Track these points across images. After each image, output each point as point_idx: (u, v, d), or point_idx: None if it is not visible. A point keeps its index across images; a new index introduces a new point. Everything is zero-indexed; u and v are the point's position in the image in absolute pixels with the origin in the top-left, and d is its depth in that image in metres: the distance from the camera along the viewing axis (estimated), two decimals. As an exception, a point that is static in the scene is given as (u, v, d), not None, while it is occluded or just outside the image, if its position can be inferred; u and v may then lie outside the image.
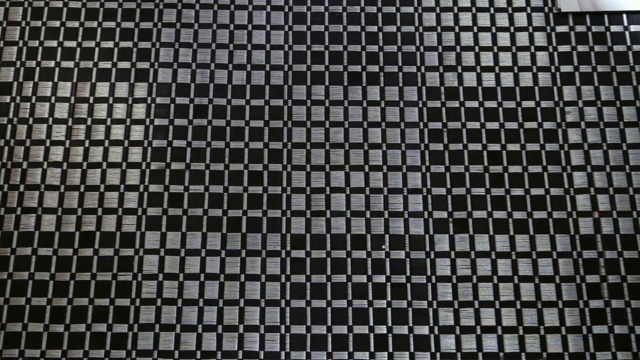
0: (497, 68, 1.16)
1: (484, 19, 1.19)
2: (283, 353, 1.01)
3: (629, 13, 1.19)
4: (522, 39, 1.18)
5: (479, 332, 1.02)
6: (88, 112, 1.13)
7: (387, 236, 1.07)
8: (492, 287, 1.05)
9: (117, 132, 1.12)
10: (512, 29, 1.19)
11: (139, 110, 1.13)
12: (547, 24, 1.19)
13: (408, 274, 1.05)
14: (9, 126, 1.12)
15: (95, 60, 1.16)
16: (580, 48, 1.17)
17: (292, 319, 1.03)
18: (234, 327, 1.03)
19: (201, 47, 1.17)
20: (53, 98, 1.14)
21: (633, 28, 1.18)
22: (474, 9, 1.20)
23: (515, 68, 1.16)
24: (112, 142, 1.12)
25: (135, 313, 1.03)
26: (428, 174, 1.10)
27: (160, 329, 1.02)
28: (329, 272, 1.05)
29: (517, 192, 1.09)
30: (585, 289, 1.04)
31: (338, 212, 1.08)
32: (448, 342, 1.02)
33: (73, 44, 1.17)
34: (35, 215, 1.07)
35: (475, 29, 1.19)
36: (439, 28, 1.19)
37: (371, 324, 1.03)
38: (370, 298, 1.04)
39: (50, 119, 1.13)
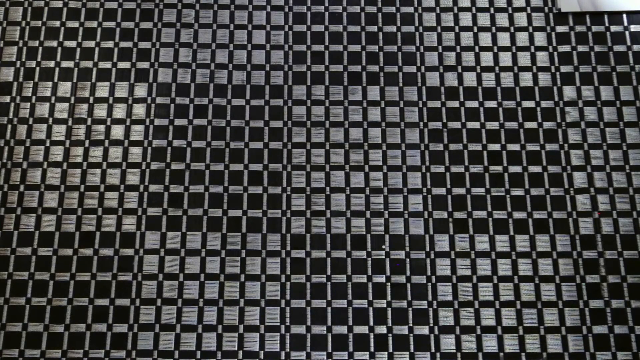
0: (497, 68, 1.16)
1: (484, 19, 1.19)
2: (283, 353, 1.01)
3: (629, 13, 1.19)
4: (522, 39, 1.18)
5: (479, 332, 1.02)
6: (88, 112, 1.13)
7: (387, 236, 1.07)
8: (492, 287, 1.05)
9: (117, 132, 1.12)
10: (512, 29, 1.19)
11: (139, 110, 1.13)
12: (547, 24, 1.19)
13: (408, 274, 1.05)
14: (9, 126, 1.12)
15: (95, 60, 1.16)
16: (580, 48, 1.17)
17: (292, 319, 1.03)
18: (234, 327, 1.03)
19: (201, 47, 1.17)
20: (53, 98, 1.14)
21: (633, 28, 1.18)
22: (474, 9, 1.20)
23: (515, 68, 1.16)
24: (112, 142, 1.12)
25: (135, 313, 1.03)
26: (428, 174, 1.10)
27: (160, 329, 1.02)
28: (329, 272, 1.05)
29: (517, 192, 1.09)
30: (585, 289, 1.04)
31: (338, 212, 1.08)
32: (448, 342, 1.02)
33: (73, 44, 1.17)
34: (35, 215, 1.07)
35: (475, 29, 1.19)
36: (439, 28, 1.19)
37: (371, 324, 1.03)
38: (370, 298, 1.04)
39: (50, 119, 1.13)
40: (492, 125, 1.13)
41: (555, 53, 1.17)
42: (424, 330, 1.02)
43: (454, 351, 1.01)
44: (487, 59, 1.17)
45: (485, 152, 1.11)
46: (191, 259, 1.06)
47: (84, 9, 1.19)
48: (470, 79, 1.16)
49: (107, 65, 1.16)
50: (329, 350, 1.01)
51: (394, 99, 1.14)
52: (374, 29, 1.19)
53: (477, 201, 1.09)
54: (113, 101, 1.14)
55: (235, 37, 1.18)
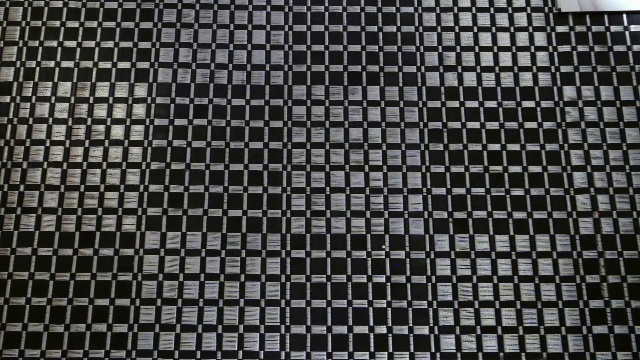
0: (497, 68, 1.16)
1: (484, 19, 1.19)
2: (283, 353, 1.01)
3: (629, 13, 1.19)
4: (522, 39, 1.18)
5: (479, 332, 1.02)
6: (88, 112, 1.13)
7: (387, 236, 1.07)
8: (492, 287, 1.05)
9: (117, 132, 1.12)
10: (512, 29, 1.19)
11: (139, 110, 1.13)
12: (547, 24, 1.19)
13: (408, 274, 1.05)
14: (9, 126, 1.12)
15: (95, 60, 1.16)
16: (580, 48, 1.17)
17: (292, 319, 1.03)
18: (234, 327, 1.03)
19: (201, 47, 1.17)
20: (53, 98, 1.14)
21: (633, 28, 1.18)
22: (474, 9, 1.20)
23: (515, 68, 1.16)
24: (112, 142, 1.12)
25: (135, 313, 1.03)
26: (428, 174, 1.10)
27: (160, 329, 1.02)
28: (329, 272, 1.05)
29: (517, 192, 1.09)
30: (585, 289, 1.04)
31: (338, 212, 1.08)
32: (448, 342, 1.02)
33: (73, 44, 1.17)
34: (35, 215, 1.07)
35: (475, 29, 1.19)
36: (439, 28, 1.19)
37: (371, 324, 1.03)
38: (370, 298, 1.04)
39: (50, 119, 1.13)
40: (492, 125, 1.13)
41: (555, 53, 1.17)
42: (424, 330, 1.02)
43: (454, 351, 1.01)
44: (487, 59, 1.17)
45: (485, 152, 1.11)
46: (191, 259, 1.06)
47: (84, 9, 1.19)
48: (470, 79, 1.16)
49: (107, 65, 1.16)
50: (329, 350, 1.01)
51: (394, 99, 1.14)
52: (374, 29, 1.19)
53: (477, 201, 1.09)
54: (113, 101, 1.14)
55: (235, 37, 1.18)
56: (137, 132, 1.12)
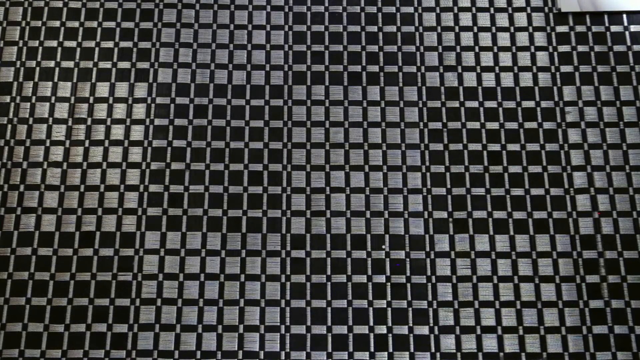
0: (497, 68, 1.16)
1: (484, 19, 1.19)
2: (283, 353, 1.01)
3: (629, 13, 1.19)
4: (522, 39, 1.18)
5: (479, 332, 1.02)
6: (88, 112, 1.13)
7: (387, 236, 1.07)
8: (492, 287, 1.05)
9: (117, 132, 1.12)
10: (512, 29, 1.19)
11: (139, 110, 1.13)
12: (547, 24, 1.19)
13: (408, 274, 1.05)
14: (9, 126, 1.12)
15: (95, 60, 1.16)
16: (580, 48, 1.17)
17: (292, 319, 1.03)
18: (234, 327, 1.03)
19: (201, 47, 1.17)
20: (53, 98, 1.14)
21: (633, 28, 1.18)
22: (474, 9, 1.20)
23: (515, 68, 1.16)
24: (112, 142, 1.12)
25: (135, 313, 1.03)
26: (428, 174, 1.10)
27: (160, 329, 1.02)
28: (329, 272, 1.05)
29: (517, 192, 1.09)
30: (585, 289, 1.04)
31: (338, 212, 1.08)
32: (448, 342, 1.02)
33: (73, 44, 1.17)
34: (35, 215, 1.07)
35: (475, 29, 1.19)
36: (439, 28, 1.19)
37: (371, 324, 1.03)
38: (370, 298, 1.04)
39: (50, 119, 1.13)
40: (492, 125, 1.13)
41: (555, 53, 1.17)
42: (424, 330, 1.02)
43: (454, 351, 1.01)
44: (487, 59, 1.17)
45: (485, 152, 1.11)
46: (191, 259, 1.06)
47: (84, 9, 1.19)
48: (470, 79, 1.16)
49: (107, 65, 1.16)
50: (329, 350, 1.01)
51: (394, 99, 1.14)
52: (374, 29, 1.19)
53: (477, 201, 1.09)
54: (113, 101, 1.14)
55: (235, 37, 1.18)
56: (137, 132, 1.12)
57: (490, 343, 1.02)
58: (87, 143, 1.12)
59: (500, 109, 1.14)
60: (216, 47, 1.17)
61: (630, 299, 1.04)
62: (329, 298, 1.04)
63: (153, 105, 1.14)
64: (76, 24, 1.18)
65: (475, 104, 1.14)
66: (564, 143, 1.12)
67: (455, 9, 1.20)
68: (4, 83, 1.14)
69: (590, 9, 1.19)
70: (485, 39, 1.18)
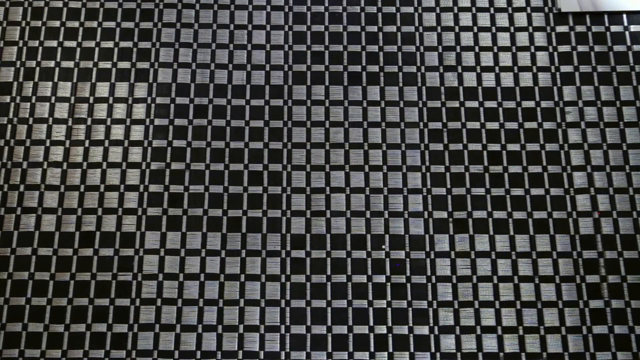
0: (497, 68, 1.16)
1: (484, 19, 1.19)
2: (283, 353, 1.01)
3: (629, 13, 1.19)
4: (522, 39, 1.18)
5: (479, 332, 1.02)
6: (88, 112, 1.13)
7: (387, 236, 1.07)
8: (492, 287, 1.05)
9: (117, 132, 1.12)
10: (512, 29, 1.19)
11: (139, 110, 1.13)
12: (547, 24, 1.19)
13: (408, 274, 1.05)
14: (9, 126, 1.12)
15: (95, 60, 1.16)
16: (580, 48, 1.17)
17: (292, 319, 1.03)
18: (234, 327, 1.03)
19: (201, 47, 1.17)
20: (53, 98, 1.14)
21: (633, 28, 1.18)
22: (474, 9, 1.20)
23: (515, 68, 1.16)
24: (112, 142, 1.12)
25: (135, 313, 1.03)
26: (428, 174, 1.10)
27: (160, 329, 1.02)
28: (329, 272, 1.05)
29: (517, 192, 1.09)
30: (585, 289, 1.04)
31: (338, 212, 1.08)
32: (448, 342, 1.02)
33: (73, 44, 1.17)
34: (35, 215, 1.07)
35: (475, 29, 1.19)
36: (439, 28, 1.19)
37: (371, 324, 1.03)
38: (370, 298, 1.04)
39: (50, 119, 1.13)
40: (492, 125, 1.13)
41: (555, 53, 1.17)
42: (424, 330, 1.02)
43: (454, 351, 1.01)
44: (487, 59, 1.17)
45: (485, 152, 1.11)
46: (191, 259, 1.06)
47: (84, 9, 1.19)
48: (470, 79, 1.16)
49: (107, 65, 1.16)
50: (329, 350, 1.01)
51: (394, 99, 1.14)
52: (374, 29, 1.19)
53: (477, 201, 1.09)
54: (113, 101, 1.14)
55: (235, 37, 1.18)
56: (137, 132, 1.12)
57: (490, 343, 1.02)
58: (87, 143, 1.12)
59: (500, 109, 1.14)
60: (216, 47, 1.17)
61: (630, 299, 1.04)
62: (329, 298, 1.04)
63: (153, 105, 1.14)
64: (76, 24, 1.18)
65: (475, 104, 1.14)
66: (564, 143, 1.12)
67: (455, 9, 1.20)
68: (4, 83, 1.14)
69: (590, 9, 1.19)
70: (485, 39, 1.18)
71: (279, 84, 1.15)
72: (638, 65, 1.15)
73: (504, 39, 1.18)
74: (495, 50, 1.17)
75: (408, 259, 1.06)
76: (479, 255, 1.06)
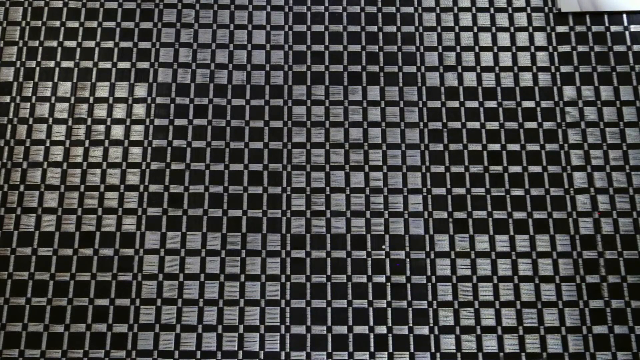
0: (497, 68, 1.16)
1: (484, 19, 1.19)
2: (283, 353, 1.01)
3: (629, 13, 1.19)
4: (522, 39, 1.18)
5: (479, 332, 1.02)
6: (88, 112, 1.13)
7: (387, 236, 1.07)
8: (492, 287, 1.05)
9: (117, 132, 1.12)
10: (512, 29, 1.19)
11: (139, 110, 1.13)
12: (547, 24, 1.19)
13: (408, 274, 1.05)
14: (9, 126, 1.12)
15: (95, 60, 1.16)
16: (580, 48, 1.17)
17: (292, 319, 1.03)
18: (234, 327, 1.03)
19: (201, 47, 1.17)
20: (53, 98, 1.14)
21: (633, 28, 1.18)
22: (474, 9, 1.20)
23: (515, 68, 1.16)
24: (112, 142, 1.12)
25: (135, 313, 1.03)
26: (428, 174, 1.10)
27: (160, 329, 1.02)
28: (329, 272, 1.05)
29: (517, 192, 1.09)
30: (585, 289, 1.04)
31: (338, 212, 1.08)
32: (448, 342, 1.02)
33: (73, 44, 1.17)
34: (35, 215, 1.07)
35: (475, 29, 1.19)
36: (439, 28, 1.19)
37: (371, 324, 1.03)
38: (370, 298, 1.04)
39: (50, 119, 1.13)
40: (492, 125, 1.13)
41: (555, 53, 1.17)
42: (424, 330, 1.02)
43: (454, 351, 1.01)
44: (487, 59, 1.17)
45: (485, 152, 1.11)
46: (191, 259, 1.06)
47: (84, 9, 1.19)
48: (470, 79, 1.16)
49: (107, 65, 1.16)
50: (329, 350, 1.01)
51: (394, 99, 1.14)
52: (374, 29, 1.19)
53: (477, 201, 1.09)
54: (113, 101, 1.14)
55: (235, 37, 1.18)
56: (137, 132, 1.12)
57: (490, 343, 1.02)
58: (87, 143, 1.12)
59: (500, 109, 1.14)
60: (216, 47, 1.17)
61: (630, 299, 1.04)
62: (329, 298, 1.04)
63: (153, 105, 1.14)
64: (76, 24, 1.18)
65: (475, 104, 1.14)
66: (564, 143, 1.12)
67: (455, 9, 1.20)
68: (4, 83, 1.14)
69: (590, 9, 1.19)
70: (485, 39, 1.18)
71: (279, 84, 1.15)
72: (638, 65, 1.15)
73: (504, 39, 1.18)
74: (495, 50, 1.17)
75: (408, 259, 1.06)
76: (479, 255, 1.06)
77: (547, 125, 1.13)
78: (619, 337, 1.02)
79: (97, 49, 1.17)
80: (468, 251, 1.06)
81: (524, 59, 1.17)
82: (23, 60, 1.16)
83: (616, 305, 1.03)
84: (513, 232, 1.07)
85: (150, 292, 1.04)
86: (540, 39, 1.18)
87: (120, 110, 1.13)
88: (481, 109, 1.14)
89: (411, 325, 1.03)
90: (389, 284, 1.05)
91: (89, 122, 1.13)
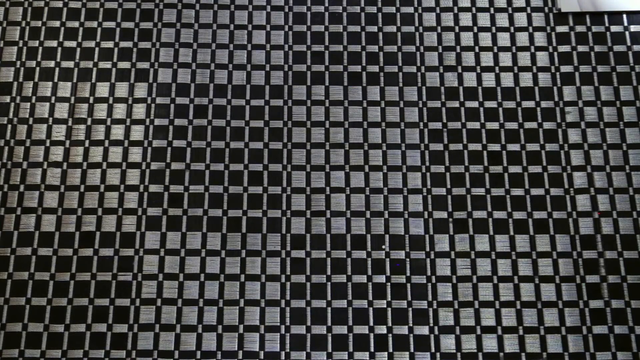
0: (497, 68, 1.16)
1: (484, 19, 1.19)
2: (283, 353, 1.01)
3: (629, 13, 1.19)
4: (522, 39, 1.18)
5: (479, 332, 1.02)
6: (88, 112, 1.13)
7: (387, 236, 1.07)
8: (492, 287, 1.05)
9: (117, 132, 1.12)
10: (512, 29, 1.19)
11: (139, 110, 1.13)
12: (547, 24, 1.19)
13: (408, 274, 1.05)
14: (9, 126, 1.12)
15: (95, 60, 1.16)
16: (580, 48, 1.17)
17: (292, 319, 1.03)
18: (234, 327, 1.03)
19: (201, 47, 1.17)
20: (53, 98, 1.14)
21: (633, 28, 1.18)
22: (474, 9, 1.20)
23: (515, 68, 1.16)
24: (112, 142, 1.12)
25: (135, 313, 1.03)
26: (428, 174, 1.10)
27: (160, 329, 1.02)
28: (329, 272, 1.05)
29: (517, 192, 1.09)
30: (585, 289, 1.04)
31: (338, 212, 1.08)
32: (448, 342, 1.02)
33: (73, 44, 1.17)
34: (35, 215, 1.07)
35: (475, 29, 1.19)
36: (439, 28, 1.19)
37: (371, 324, 1.03)
38: (370, 298, 1.04)
39: (50, 119, 1.13)
40: (492, 125, 1.13)
41: (555, 53, 1.17)
42: (424, 330, 1.02)
43: (454, 351, 1.01)
44: (487, 59, 1.17)
45: (485, 152, 1.11)
46: (191, 259, 1.06)
47: (84, 9, 1.19)
48: (470, 79, 1.16)
49: (107, 65, 1.16)
50: (329, 350, 1.01)
51: (394, 99, 1.14)
52: (374, 29, 1.19)
53: (477, 201, 1.09)
54: (113, 101, 1.14)
55: (235, 37, 1.18)
56: (137, 132, 1.12)
57: (490, 343, 1.02)
58: (87, 143, 1.12)
59: (500, 109, 1.14)
60: (216, 47, 1.17)
61: (630, 299, 1.04)
62: (329, 298, 1.04)
63: (153, 105, 1.14)
64: (76, 24, 1.18)
65: (475, 104, 1.14)
66: (564, 143, 1.12)
67: (455, 9, 1.20)
68: (4, 83, 1.14)
69: (590, 9, 1.19)
70: (485, 39, 1.18)
71: (279, 84, 1.15)
72: (638, 65, 1.15)
73: (504, 39, 1.18)
74: (495, 50, 1.17)
75: (408, 259, 1.06)
76: (479, 255, 1.06)
77: (547, 125, 1.13)
78: (619, 337, 1.02)
79: (97, 49, 1.17)
80: (468, 251, 1.06)
81: (524, 59, 1.17)
82: (23, 60, 1.16)
83: (616, 305, 1.03)
84: (513, 232, 1.07)
85: (150, 292, 1.04)
86: (540, 39, 1.18)
87: (120, 110, 1.13)
88: (481, 109, 1.14)
89: (411, 325, 1.03)
90: (389, 284, 1.05)
91: (89, 122, 1.13)
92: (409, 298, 1.04)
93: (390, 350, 1.01)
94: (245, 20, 1.19)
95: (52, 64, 1.16)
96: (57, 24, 1.18)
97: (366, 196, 1.09)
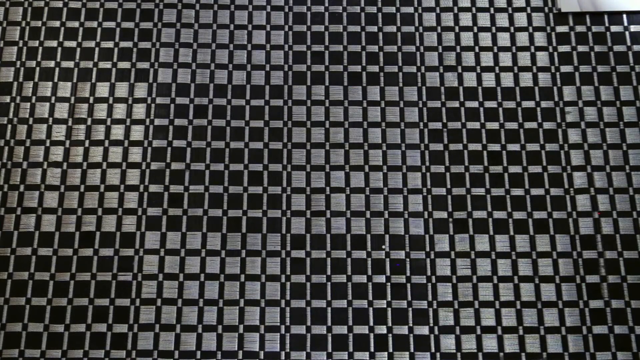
0: (497, 68, 1.16)
1: (484, 19, 1.19)
2: (283, 353, 1.01)
3: (629, 13, 1.19)
4: (522, 39, 1.18)
5: (479, 332, 1.02)
6: (88, 112, 1.13)
7: (387, 236, 1.07)
8: (492, 287, 1.05)
9: (117, 132, 1.12)
10: (512, 29, 1.19)
11: (139, 110, 1.13)
12: (547, 24, 1.19)
13: (408, 274, 1.05)
14: (9, 126, 1.12)
15: (95, 60, 1.16)
16: (580, 48, 1.17)
17: (292, 319, 1.03)
18: (234, 327, 1.03)
19: (201, 47, 1.17)
20: (53, 98, 1.14)
21: (633, 28, 1.18)
22: (474, 9, 1.20)
23: (515, 68, 1.16)
24: (112, 142, 1.12)
25: (135, 313, 1.03)
26: (428, 174, 1.10)
27: (160, 329, 1.02)
28: (329, 272, 1.05)
29: (517, 192, 1.09)
30: (585, 289, 1.04)
31: (338, 212, 1.08)
32: (448, 342, 1.02)
33: (73, 44, 1.17)
34: (35, 215, 1.07)
35: (475, 29, 1.19)
36: (439, 28, 1.19)
37: (371, 324, 1.03)
38: (370, 298, 1.04)
39: (50, 119, 1.13)
40: (492, 125, 1.13)
41: (555, 53, 1.17)
42: (424, 330, 1.02)
43: (454, 351, 1.01)
44: (487, 59, 1.17)
45: (485, 152, 1.11)
46: (191, 259, 1.06)
47: (84, 9, 1.19)
48: (470, 79, 1.16)
49: (107, 65, 1.16)
50: (329, 350, 1.01)
51: (394, 99, 1.14)
52: (374, 29, 1.19)
53: (477, 201, 1.09)
54: (113, 101, 1.14)
55: (235, 37, 1.18)
56: (137, 132, 1.12)
57: (490, 343, 1.02)
58: (87, 143, 1.12)
59: (500, 109, 1.14)
60: (216, 47, 1.17)
61: (630, 299, 1.04)
62: (329, 298, 1.04)
63: (153, 105, 1.14)
64: (76, 24, 1.18)
65: (475, 104, 1.14)
66: (564, 143, 1.12)
67: (455, 9, 1.20)
68: (4, 83, 1.14)
69: (590, 9, 1.19)
70: (485, 39, 1.18)
71: (279, 84, 1.15)
72: (638, 65, 1.15)
73: (504, 39, 1.18)
74: (495, 50, 1.17)
75: (408, 259, 1.06)
76: (479, 255, 1.06)
77: (547, 125, 1.13)
78: (619, 337, 1.02)
79: (97, 49, 1.17)
80: (468, 251, 1.06)
81: (524, 59, 1.17)
82: (23, 60, 1.16)
83: (616, 305, 1.03)
84: (513, 232, 1.07)
85: (150, 292, 1.04)
86: (540, 39, 1.18)
87: (120, 110, 1.13)
88: (481, 109, 1.14)
89: (411, 325, 1.03)
90: (389, 284, 1.05)
91: (89, 122, 1.13)
92: (409, 298, 1.04)
93: (390, 350, 1.01)
94: (245, 20, 1.19)
95: (52, 64, 1.16)
96: (57, 24, 1.18)
97: (366, 196, 1.09)
